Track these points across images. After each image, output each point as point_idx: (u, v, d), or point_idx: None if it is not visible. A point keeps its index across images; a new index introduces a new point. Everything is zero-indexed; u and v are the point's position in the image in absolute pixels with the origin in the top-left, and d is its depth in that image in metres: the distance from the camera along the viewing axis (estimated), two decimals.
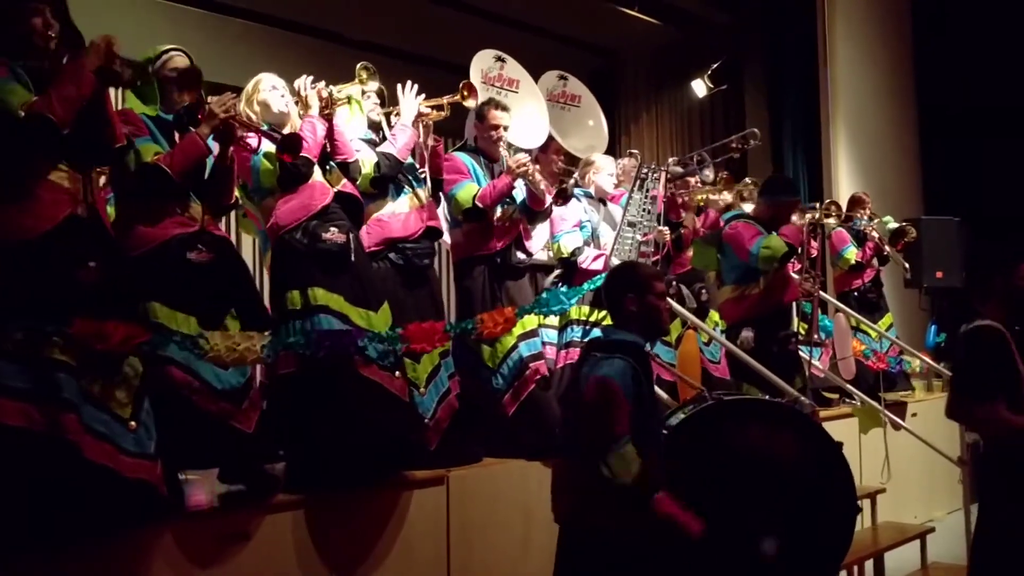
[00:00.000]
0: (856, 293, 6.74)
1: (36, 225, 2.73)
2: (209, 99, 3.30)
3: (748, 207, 5.53)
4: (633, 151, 6.32)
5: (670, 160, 6.10)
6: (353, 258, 3.60)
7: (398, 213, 4.04)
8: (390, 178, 3.98)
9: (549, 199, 4.49)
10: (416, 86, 4.07)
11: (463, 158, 4.44)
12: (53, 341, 2.68)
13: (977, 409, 3.12)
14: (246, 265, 3.59)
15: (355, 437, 3.41)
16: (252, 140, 3.47)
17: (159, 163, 3.16)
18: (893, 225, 6.93)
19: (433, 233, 4.18)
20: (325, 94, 3.78)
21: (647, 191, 4.74)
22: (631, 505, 2.62)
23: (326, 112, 3.77)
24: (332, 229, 3.55)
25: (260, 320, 3.44)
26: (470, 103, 4.28)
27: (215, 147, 3.37)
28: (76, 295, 2.78)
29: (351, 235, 3.62)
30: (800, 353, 4.97)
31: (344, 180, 3.80)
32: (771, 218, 4.77)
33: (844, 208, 7.07)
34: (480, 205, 4.27)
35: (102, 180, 3.53)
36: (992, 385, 3.08)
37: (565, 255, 4.77)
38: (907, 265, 6.89)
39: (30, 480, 2.61)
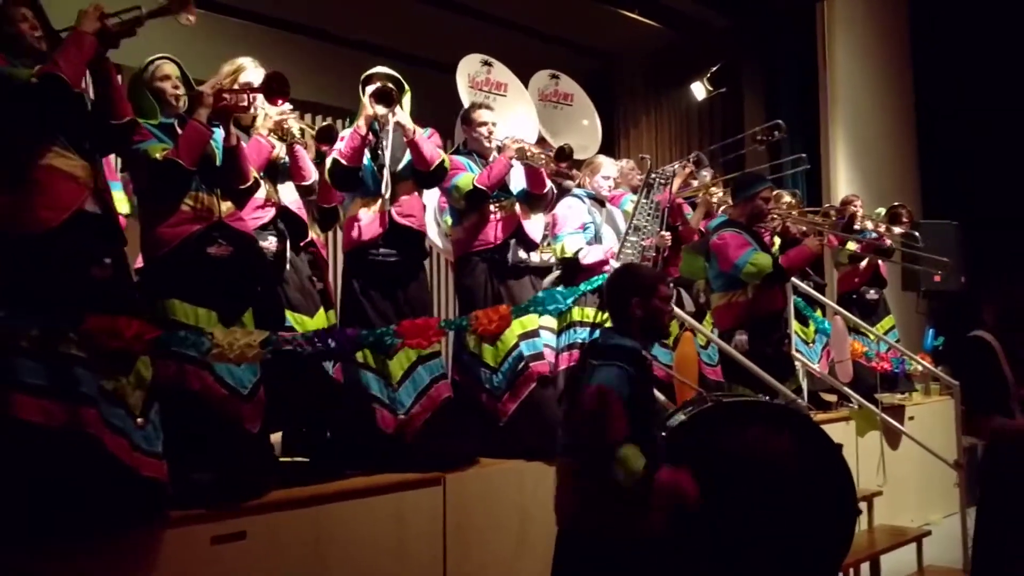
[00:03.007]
0: (855, 296, 6.75)
1: (51, 216, 2.75)
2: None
3: None
4: (644, 156, 6.28)
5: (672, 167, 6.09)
6: (288, 267, 3.79)
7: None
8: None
9: (550, 184, 4.52)
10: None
11: (459, 159, 4.46)
12: (69, 337, 2.70)
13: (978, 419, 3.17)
14: (267, 261, 3.61)
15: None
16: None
17: (168, 156, 3.18)
18: (881, 210, 6.98)
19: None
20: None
21: (653, 197, 4.74)
22: (640, 502, 2.60)
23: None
24: (269, 238, 3.74)
25: (275, 319, 3.46)
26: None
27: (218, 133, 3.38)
28: (90, 291, 2.81)
29: (287, 244, 3.78)
30: (795, 355, 4.93)
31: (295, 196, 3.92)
32: (751, 215, 4.75)
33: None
34: (480, 187, 4.30)
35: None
36: (987, 396, 3.13)
37: (568, 255, 4.77)
38: (916, 234, 6.80)
39: (46, 477, 2.62)
